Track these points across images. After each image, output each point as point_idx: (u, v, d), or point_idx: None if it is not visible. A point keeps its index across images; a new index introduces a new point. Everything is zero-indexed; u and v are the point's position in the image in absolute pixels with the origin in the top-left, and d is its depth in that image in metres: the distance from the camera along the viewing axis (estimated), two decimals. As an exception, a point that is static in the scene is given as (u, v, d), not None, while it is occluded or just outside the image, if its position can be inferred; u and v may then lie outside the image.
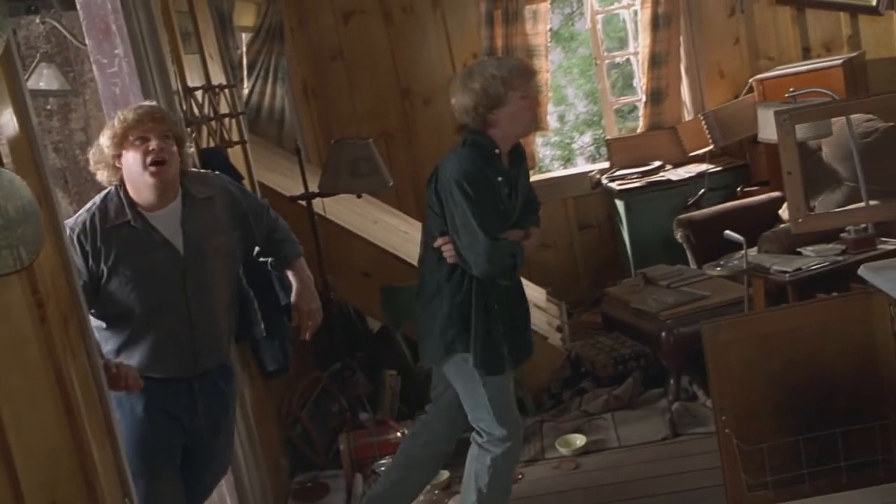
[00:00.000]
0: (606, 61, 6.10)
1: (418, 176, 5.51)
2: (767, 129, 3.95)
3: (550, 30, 5.71)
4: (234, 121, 3.93)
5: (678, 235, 4.88)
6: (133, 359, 2.64)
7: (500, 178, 2.98)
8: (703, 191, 5.21)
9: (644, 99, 5.63)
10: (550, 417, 4.24)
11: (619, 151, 5.67)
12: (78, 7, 3.16)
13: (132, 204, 2.63)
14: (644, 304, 4.34)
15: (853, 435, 2.84)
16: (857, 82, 5.01)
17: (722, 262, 4.30)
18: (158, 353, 2.67)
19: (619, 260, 5.51)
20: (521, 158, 3.11)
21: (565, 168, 8.01)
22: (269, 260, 3.10)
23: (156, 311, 2.64)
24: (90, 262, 2.58)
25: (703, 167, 5.35)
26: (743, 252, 4.04)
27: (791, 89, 4.14)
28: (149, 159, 2.56)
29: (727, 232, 4.09)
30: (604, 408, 4.21)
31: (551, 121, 6.91)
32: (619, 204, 5.35)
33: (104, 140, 2.60)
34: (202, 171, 2.93)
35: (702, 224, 4.85)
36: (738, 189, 5.22)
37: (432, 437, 3.27)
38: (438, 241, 3.00)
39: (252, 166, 4.03)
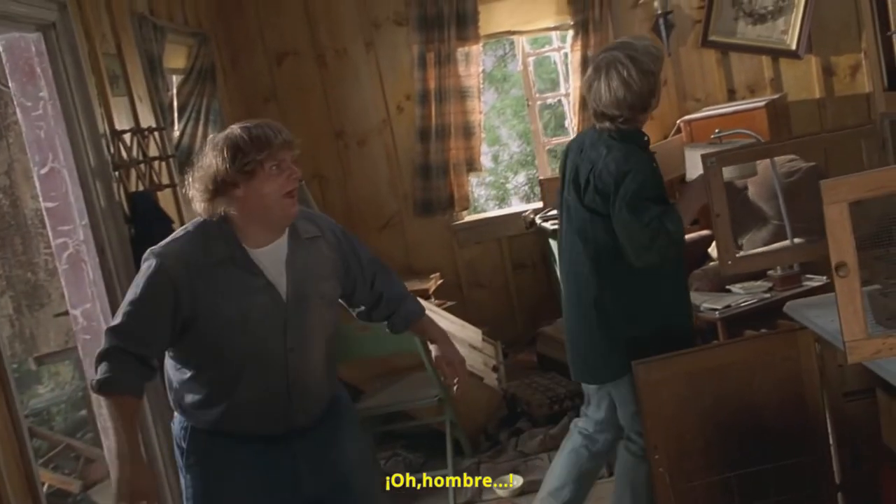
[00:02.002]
0: (538, 102, 6.19)
1: (352, 217, 5.50)
2: (694, 170, 4.03)
3: (483, 71, 5.77)
4: (164, 163, 3.88)
5: (611, 274, 4.92)
6: (216, 414, 2.33)
7: (654, 165, 3.00)
8: (634, 229, 5.27)
9: (576, 139, 5.70)
10: (487, 459, 4.22)
11: (553, 191, 5.72)
12: (0, 49, 3.10)
13: (234, 238, 2.28)
14: (578, 343, 4.36)
15: (783, 470, 2.88)
16: (779, 123, 5.15)
17: (654, 301, 4.35)
18: (247, 411, 2.33)
19: (553, 299, 5.53)
20: None
21: (500, 208, 8.06)
22: (387, 322, 2.69)
23: (249, 362, 2.30)
24: (180, 299, 2.22)
25: (634, 206, 5.42)
26: (674, 290, 4.09)
27: (716, 130, 4.23)
28: (288, 189, 2.26)
29: (658, 270, 4.15)
30: (540, 448, 4.21)
31: (486, 161, 6.97)
32: (553, 243, 5.39)
33: (220, 164, 2.21)
34: (307, 209, 2.56)
35: (634, 262, 4.91)
36: (669, 228, 5.30)
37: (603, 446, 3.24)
38: None
39: (183, 209, 3.98)
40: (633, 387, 2.95)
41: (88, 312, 3.28)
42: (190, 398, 2.34)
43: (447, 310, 5.02)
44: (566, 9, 5.53)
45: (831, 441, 2.94)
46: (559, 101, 6.36)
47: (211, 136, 2.35)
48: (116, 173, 3.40)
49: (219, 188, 2.22)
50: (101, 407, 3.09)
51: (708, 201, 2.99)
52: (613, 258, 2.95)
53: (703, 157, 2.99)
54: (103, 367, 2.20)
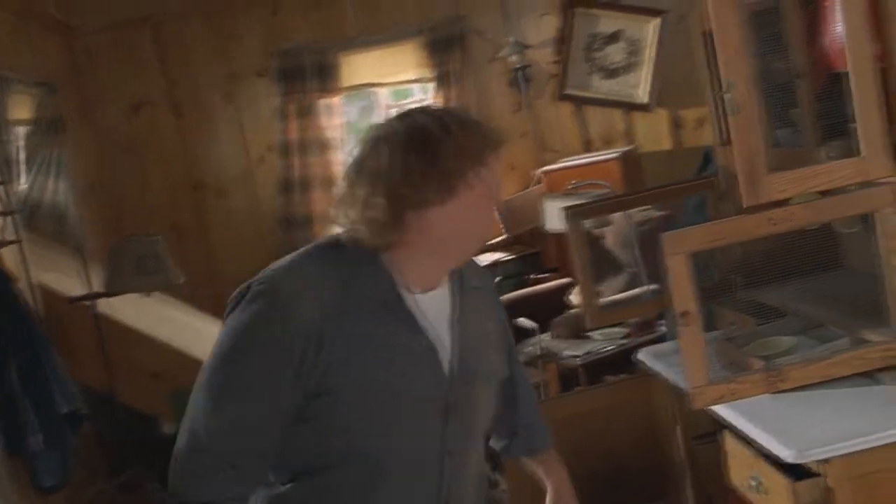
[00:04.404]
0: (402, 154, 6.23)
1: (212, 270, 5.38)
2: (552, 220, 4.13)
3: (347, 122, 5.79)
4: (7, 219, 3.70)
5: (475, 323, 4.95)
6: None
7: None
8: (497, 279, 5.35)
9: (438, 190, 5.76)
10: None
11: (417, 241, 5.75)
12: None
13: (386, 274, 1.54)
14: (444, 394, 4.36)
15: (642, 514, 2.94)
16: (632, 173, 5.35)
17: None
18: None
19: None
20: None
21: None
22: (501, 445, 2.01)
23: (392, 469, 1.54)
24: (305, 364, 1.45)
25: (496, 256, 5.51)
26: (536, 338, 4.16)
27: (573, 181, 4.36)
28: (495, 212, 1.61)
29: (520, 319, 4.21)
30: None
31: (350, 212, 6.95)
32: (418, 293, 5.41)
33: (415, 170, 1.47)
34: None
35: (497, 311, 4.95)
36: (530, 276, 5.40)
37: None
38: None
39: (29, 267, 3.80)
40: None
41: (-80, 379, 3.07)
42: None
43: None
44: (427, 61, 5.61)
45: (687, 483, 3.02)
46: (422, 152, 6.42)
47: (380, 126, 1.58)
48: (-47, 230, 3.22)
49: (404, 207, 1.48)
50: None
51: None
52: None
53: (566, 211, 3.06)
54: None
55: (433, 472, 1.58)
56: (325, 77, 5.44)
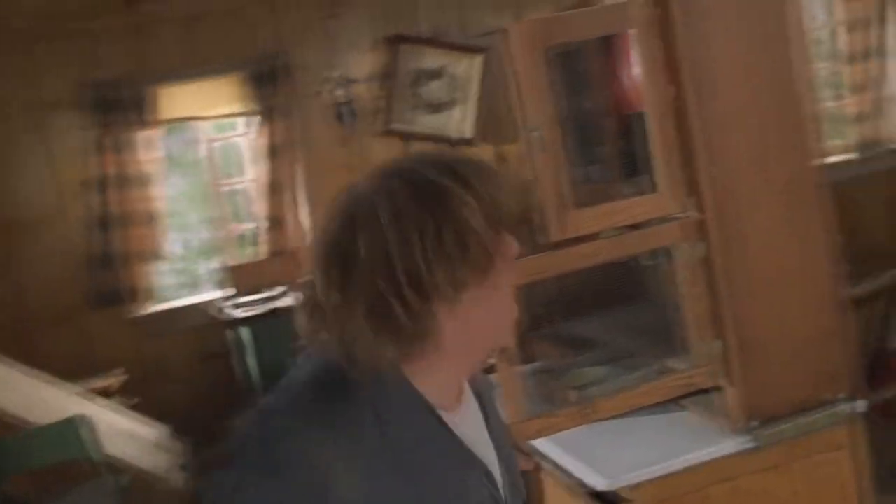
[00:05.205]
0: (226, 188, 6.07)
1: (20, 313, 5.08)
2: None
3: (169, 156, 5.61)
4: None
5: (304, 360, 4.88)
6: None
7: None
8: (325, 314, 5.28)
9: (264, 225, 5.67)
10: (175, 566, 3.96)
11: (243, 277, 5.62)
12: None
13: (416, 394, 1.17)
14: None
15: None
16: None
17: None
18: None
19: (247, 390, 5.39)
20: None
21: (190, 296, 7.77)
22: None
23: None
24: None
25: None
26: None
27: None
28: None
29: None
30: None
31: (176, 248, 6.75)
32: (244, 331, 5.27)
33: (439, 259, 1.07)
34: None
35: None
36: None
37: None
38: None
39: None
40: None
41: None
42: None
43: (131, 408, 4.72)
44: (250, 95, 5.52)
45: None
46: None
47: (363, 193, 1.12)
48: None
49: (434, 298, 1.09)
50: None
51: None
52: None
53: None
54: None
55: None
56: (142, 109, 5.25)
